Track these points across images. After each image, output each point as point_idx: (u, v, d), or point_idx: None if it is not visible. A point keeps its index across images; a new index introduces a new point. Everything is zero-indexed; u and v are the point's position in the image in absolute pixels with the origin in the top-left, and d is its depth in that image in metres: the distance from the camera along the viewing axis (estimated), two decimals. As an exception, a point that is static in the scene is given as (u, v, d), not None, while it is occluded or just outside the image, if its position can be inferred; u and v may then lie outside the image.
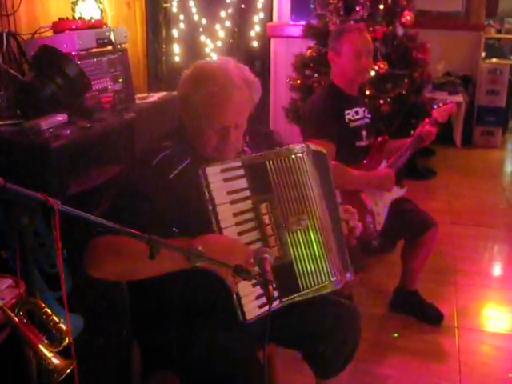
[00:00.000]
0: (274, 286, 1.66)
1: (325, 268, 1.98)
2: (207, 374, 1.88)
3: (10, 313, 1.40)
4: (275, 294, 1.90)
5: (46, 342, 1.39)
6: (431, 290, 3.74)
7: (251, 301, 1.87)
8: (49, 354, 1.37)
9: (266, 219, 1.92)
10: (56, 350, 1.38)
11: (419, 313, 3.51)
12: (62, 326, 1.39)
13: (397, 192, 3.35)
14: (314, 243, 1.97)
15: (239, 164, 1.92)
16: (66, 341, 1.39)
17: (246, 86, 2.00)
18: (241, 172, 1.91)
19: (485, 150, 7.43)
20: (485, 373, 3.04)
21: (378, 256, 4.03)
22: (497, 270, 4.40)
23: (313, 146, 2.07)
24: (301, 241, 1.96)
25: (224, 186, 1.87)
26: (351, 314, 2.23)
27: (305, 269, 1.95)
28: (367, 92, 4.78)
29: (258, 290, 1.88)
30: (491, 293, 3.93)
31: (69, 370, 1.37)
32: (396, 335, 3.37)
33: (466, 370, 3.05)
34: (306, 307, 2.09)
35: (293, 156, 1.98)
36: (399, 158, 3.36)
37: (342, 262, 2.07)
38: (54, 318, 1.40)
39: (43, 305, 1.41)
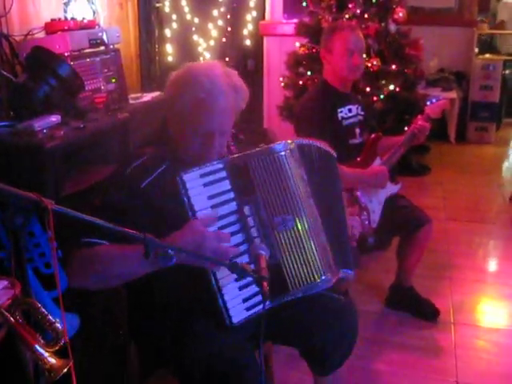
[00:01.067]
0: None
1: (314, 267, 1.97)
2: (204, 374, 1.87)
3: (5, 313, 1.40)
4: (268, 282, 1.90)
5: (42, 341, 1.39)
6: (427, 286, 3.75)
7: (238, 304, 1.86)
8: (45, 354, 1.37)
9: (251, 221, 1.91)
10: (52, 349, 1.39)
11: (415, 309, 3.52)
12: (58, 325, 1.39)
13: (391, 189, 3.36)
14: (302, 242, 1.95)
15: (221, 166, 1.90)
16: (62, 340, 1.39)
17: (233, 92, 1.99)
18: (223, 174, 1.90)
19: (479, 146, 7.44)
20: (481, 368, 3.06)
21: (373, 253, 4.03)
22: (492, 265, 4.41)
23: (301, 141, 2.06)
24: (288, 241, 1.93)
25: (204, 190, 1.85)
26: (348, 309, 2.22)
27: (293, 269, 1.94)
28: (360, 89, 4.78)
29: (245, 293, 1.88)
30: (487, 288, 3.94)
31: (65, 370, 1.37)
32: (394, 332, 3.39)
33: (462, 365, 3.06)
34: (303, 304, 2.09)
35: (275, 155, 1.95)
36: (393, 154, 3.36)
37: (337, 258, 2.05)
38: (50, 317, 1.40)
39: (39, 305, 1.41)
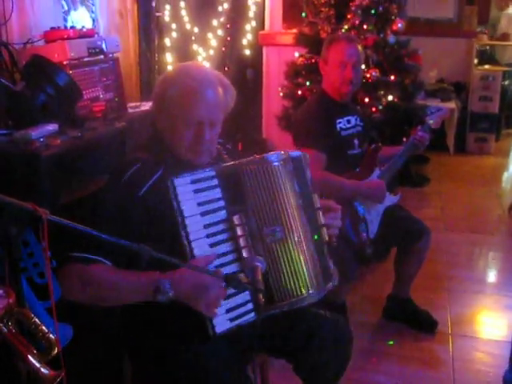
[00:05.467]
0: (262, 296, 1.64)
1: (301, 280, 1.93)
2: None
3: (-2, 323, 1.40)
4: (249, 306, 1.89)
5: (35, 352, 1.38)
6: (425, 297, 3.74)
7: (221, 314, 1.84)
8: (38, 365, 1.36)
9: (239, 230, 1.88)
10: (45, 360, 1.38)
11: (413, 320, 3.51)
12: (51, 335, 1.39)
13: (390, 199, 3.35)
14: (290, 255, 1.92)
15: (213, 174, 1.89)
16: (55, 351, 1.39)
17: (221, 87, 2.02)
18: (214, 182, 1.89)
19: (478, 157, 7.45)
20: (479, 380, 3.05)
21: (371, 264, 4.02)
22: (491, 276, 4.40)
23: (293, 153, 2.04)
24: (276, 252, 1.91)
25: (194, 197, 1.84)
26: (342, 325, 2.22)
27: (280, 281, 1.91)
28: (359, 100, 4.78)
29: (230, 303, 1.86)
30: (485, 299, 3.93)
31: (58, 380, 1.36)
32: (391, 343, 3.37)
33: (459, 377, 3.05)
34: (297, 318, 2.10)
35: (268, 165, 1.93)
36: (392, 165, 3.36)
37: (322, 272, 2.02)
38: (43, 328, 1.39)
39: (32, 315, 1.41)
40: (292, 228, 1.94)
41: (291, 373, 2.24)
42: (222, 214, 1.89)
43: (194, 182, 1.85)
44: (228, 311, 1.85)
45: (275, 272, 1.90)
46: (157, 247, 1.55)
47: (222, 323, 1.84)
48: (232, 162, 1.96)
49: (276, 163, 1.94)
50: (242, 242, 1.88)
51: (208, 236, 1.85)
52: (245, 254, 1.86)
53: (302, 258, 1.94)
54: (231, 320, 1.86)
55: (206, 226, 1.85)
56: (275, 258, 1.90)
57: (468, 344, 3.38)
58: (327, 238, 2.05)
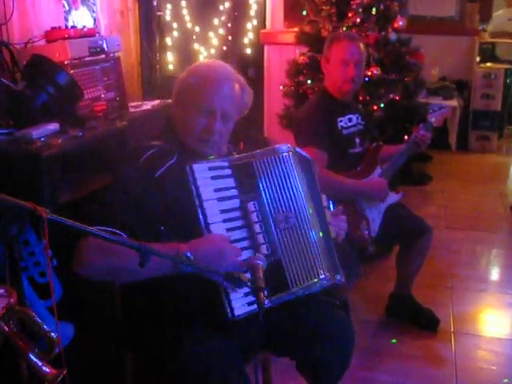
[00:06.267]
0: (266, 293, 1.65)
1: (314, 265, 1.99)
2: None
3: (0, 322, 1.40)
4: (265, 293, 1.89)
5: (37, 351, 1.38)
6: (427, 295, 3.73)
7: (240, 297, 1.86)
8: (39, 363, 1.36)
9: (254, 217, 1.94)
10: (47, 358, 1.38)
11: (415, 318, 3.50)
12: (53, 334, 1.39)
13: (392, 198, 3.34)
14: (303, 240, 1.99)
15: (226, 164, 1.98)
16: (57, 350, 1.39)
17: (239, 84, 2.09)
18: (228, 172, 1.97)
19: (480, 155, 7.44)
20: (481, 378, 3.04)
21: (373, 262, 4.02)
22: (493, 274, 4.40)
23: (298, 149, 2.12)
24: (289, 238, 1.97)
25: (211, 183, 1.91)
26: (345, 323, 2.22)
27: (294, 266, 1.96)
28: (360, 98, 4.78)
29: (247, 288, 1.87)
30: (487, 297, 3.93)
31: (59, 379, 1.36)
32: (394, 341, 3.37)
33: (462, 375, 3.05)
34: (301, 315, 2.10)
35: (279, 155, 2.02)
36: (394, 163, 3.36)
37: (330, 262, 2.06)
38: (45, 326, 1.40)
39: (33, 314, 1.41)
40: (304, 214, 2.01)
41: (293, 372, 2.24)
42: (237, 201, 1.96)
43: (211, 169, 1.93)
44: (246, 295, 1.87)
45: (288, 257, 1.96)
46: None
47: (240, 306, 1.86)
48: (243, 154, 2.03)
49: (285, 153, 2.04)
50: (256, 228, 1.94)
51: (224, 221, 1.91)
52: (260, 241, 1.93)
53: (313, 243, 2.01)
54: (249, 304, 1.87)
55: (223, 212, 1.92)
56: (288, 244, 1.97)
57: (470, 342, 3.38)
58: (334, 235, 2.11)
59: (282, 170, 2.02)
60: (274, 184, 1.99)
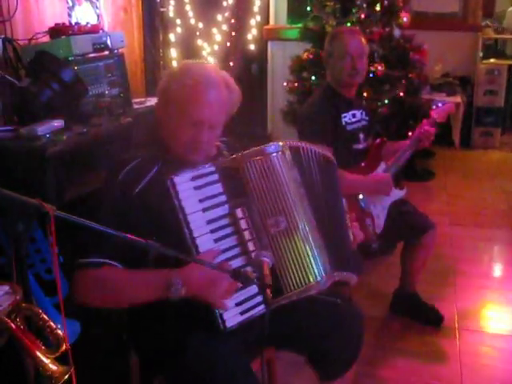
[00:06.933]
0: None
1: (308, 269, 1.94)
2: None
3: (6, 319, 1.40)
4: (259, 299, 1.89)
5: (43, 348, 1.38)
6: (431, 291, 3.73)
7: (231, 308, 1.84)
8: (46, 361, 1.36)
9: (243, 224, 1.89)
10: (53, 356, 1.38)
11: (419, 315, 3.50)
12: (59, 331, 1.39)
13: (396, 194, 3.34)
14: (296, 244, 1.93)
15: (213, 169, 1.90)
16: (63, 347, 1.39)
17: (225, 88, 2.01)
18: (215, 177, 1.90)
19: (484, 151, 7.41)
20: (486, 374, 3.04)
21: (377, 258, 4.01)
22: (497, 270, 4.39)
23: (293, 142, 2.04)
24: (281, 242, 1.91)
25: (195, 193, 1.85)
26: (353, 313, 2.22)
27: (287, 271, 1.91)
28: (364, 94, 4.77)
29: (239, 297, 1.86)
30: (491, 294, 3.92)
31: (66, 377, 1.36)
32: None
33: (466, 371, 3.04)
34: (307, 309, 2.09)
35: (267, 156, 1.94)
36: (398, 159, 3.35)
37: (334, 261, 2.02)
38: (51, 323, 1.40)
39: (40, 311, 1.41)
40: (295, 217, 1.94)
41: (298, 369, 2.24)
42: (225, 208, 1.90)
43: (193, 178, 1.85)
44: (237, 305, 1.86)
45: (281, 262, 1.91)
46: (160, 242, 1.56)
47: (232, 317, 1.84)
48: (231, 157, 1.97)
49: (274, 154, 1.95)
50: (246, 235, 1.89)
51: (212, 231, 1.86)
52: (250, 248, 1.88)
53: (307, 246, 1.94)
54: (241, 313, 1.86)
55: (209, 222, 1.86)
56: (281, 249, 1.91)
57: (475, 338, 3.37)
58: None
59: (270, 172, 1.93)
60: (262, 187, 1.91)
